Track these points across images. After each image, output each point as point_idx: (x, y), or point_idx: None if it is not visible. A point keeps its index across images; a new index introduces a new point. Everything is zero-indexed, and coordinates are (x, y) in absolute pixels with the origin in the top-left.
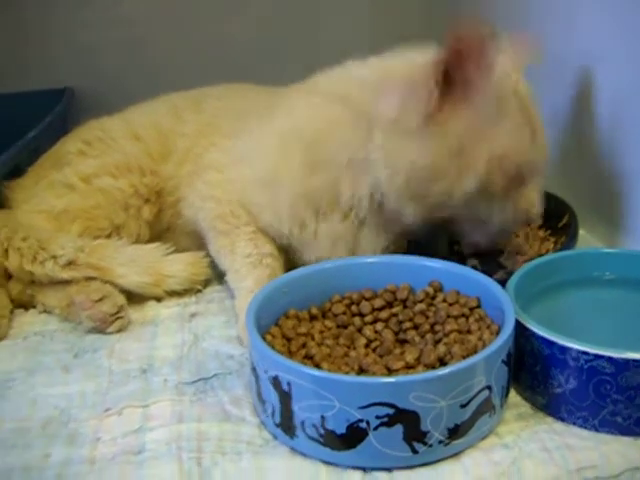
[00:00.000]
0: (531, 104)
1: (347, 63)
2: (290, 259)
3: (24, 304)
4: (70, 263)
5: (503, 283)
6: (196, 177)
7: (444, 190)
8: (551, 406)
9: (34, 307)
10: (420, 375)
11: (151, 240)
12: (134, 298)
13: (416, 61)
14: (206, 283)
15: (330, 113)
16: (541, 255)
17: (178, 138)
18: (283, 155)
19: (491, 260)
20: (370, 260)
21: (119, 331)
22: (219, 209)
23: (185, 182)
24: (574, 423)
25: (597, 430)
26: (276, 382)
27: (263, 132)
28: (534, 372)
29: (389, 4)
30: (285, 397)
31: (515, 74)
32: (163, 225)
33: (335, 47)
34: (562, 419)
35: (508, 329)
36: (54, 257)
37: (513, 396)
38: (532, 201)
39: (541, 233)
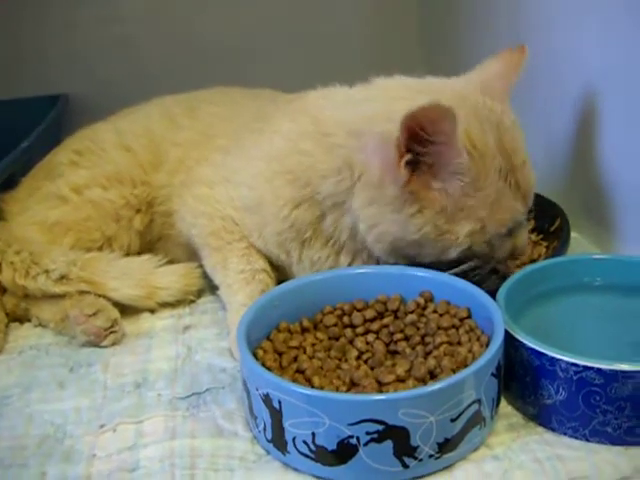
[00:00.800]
0: (518, 149)
1: (337, 88)
2: (282, 273)
3: (19, 318)
4: (62, 277)
5: (495, 290)
6: (185, 189)
7: (431, 257)
8: (542, 416)
9: (29, 320)
10: (409, 392)
11: (142, 250)
12: (128, 310)
13: (396, 115)
14: (199, 293)
15: (316, 158)
16: (533, 259)
17: (171, 147)
18: (269, 186)
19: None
20: (361, 271)
21: (114, 344)
22: (212, 226)
23: (177, 192)
24: (565, 433)
25: (588, 440)
26: (267, 399)
27: (251, 155)
28: (524, 382)
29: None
30: (276, 414)
31: (500, 105)
32: (154, 235)
33: (332, 50)
34: (553, 429)
35: (497, 342)
36: (46, 271)
37: (504, 406)
38: (520, 244)
39: (533, 237)
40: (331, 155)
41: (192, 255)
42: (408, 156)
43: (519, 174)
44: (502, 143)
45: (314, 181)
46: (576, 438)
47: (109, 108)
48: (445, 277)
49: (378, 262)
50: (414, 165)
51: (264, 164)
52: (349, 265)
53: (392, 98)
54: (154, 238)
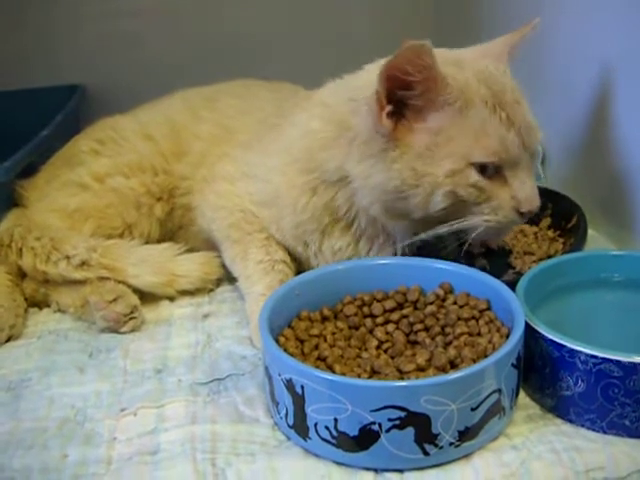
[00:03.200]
0: (509, 90)
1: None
2: (300, 265)
3: (38, 303)
4: (83, 263)
5: (513, 284)
6: (206, 185)
7: (419, 208)
8: (560, 408)
9: (48, 306)
10: (431, 379)
11: (163, 238)
12: (147, 297)
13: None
14: (218, 282)
15: (321, 131)
16: (550, 255)
17: (193, 139)
18: (284, 177)
19: (500, 260)
20: (381, 262)
21: (133, 331)
22: (232, 218)
23: (198, 188)
24: (582, 425)
25: (605, 432)
26: (290, 385)
27: (268, 151)
28: (543, 374)
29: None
30: (299, 400)
31: (493, 63)
32: (175, 224)
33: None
34: (571, 421)
35: (517, 333)
36: (67, 257)
37: (522, 397)
38: (521, 195)
39: (550, 233)
40: (330, 125)
41: (212, 246)
42: (389, 107)
43: (510, 109)
44: (489, 84)
45: (320, 158)
46: (594, 430)
47: (125, 99)
48: (465, 269)
49: (395, 248)
50: (400, 114)
51: (278, 158)
52: (368, 252)
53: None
54: (175, 227)
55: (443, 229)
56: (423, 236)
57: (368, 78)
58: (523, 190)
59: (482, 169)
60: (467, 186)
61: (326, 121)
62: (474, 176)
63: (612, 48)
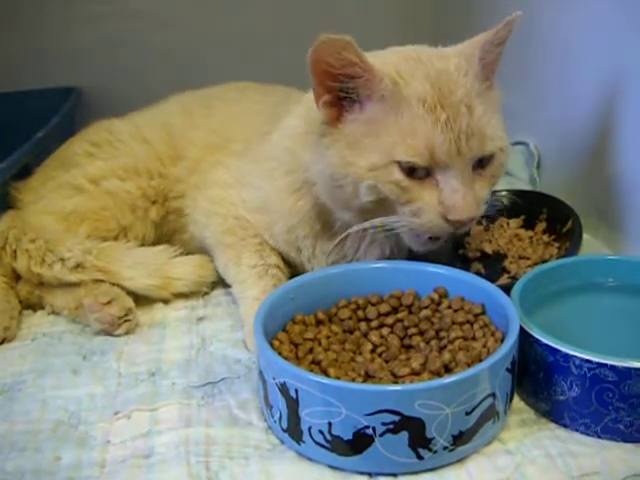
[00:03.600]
0: (459, 92)
1: None
2: (294, 270)
3: (32, 305)
4: (78, 266)
5: (508, 289)
6: (198, 192)
7: (351, 197)
8: (554, 412)
9: (42, 308)
10: (425, 383)
11: (159, 241)
12: (142, 300)
13: None
14: (213, 285)
15: (298, 127)
16: (545, 260)
17: (189, 145)
18: (272, 183)
19: (495, 264)
20: (376, 265)
21: (127, 333)
22: (226, 224)
23: (190, 194)
24: (577, 430)
25: (599, 437)
26: (284, 389)
27: (258, 158)
28: (538, 379)
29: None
30: (293, 403)
31: (443, 62)
32: (170, 227)
33: None
34: (565, 425)
35: (512, 337)
36: (62, 260)
37: (517, 402)
38: (449, 202)
39: (545, 238)
40: (305, 120)
41: (204, 253)
42: (326, 97)
43: (453, 112)
44: (438, 83)
45: (298, 155)
46: (588, 435)
47: (121, 102)
48: (460, 273)
49: (382, 249)
50: (340, 104)
51: (267, 163)
52: (355, 253)
53: None
54: (170, 230)
55: (379, 222)
56: (362, 225)
57: None
58: (452, 197)
59: (411, 169)
60: (388, 183)
61: (303, 118)
62: (396, 174)
63: (610, 54)
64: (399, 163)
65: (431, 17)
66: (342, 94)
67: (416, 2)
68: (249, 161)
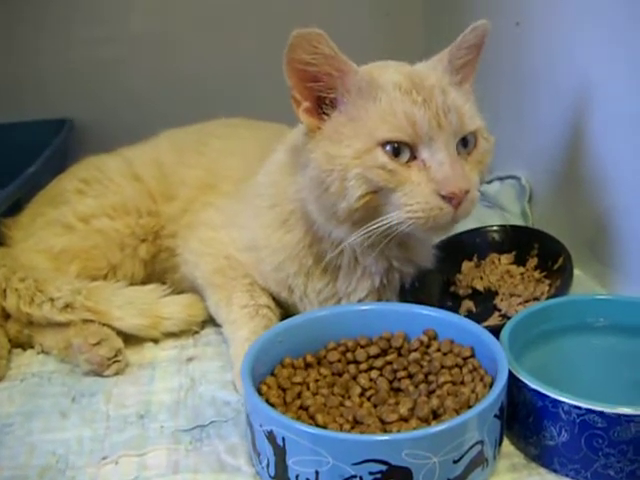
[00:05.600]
0: (431, 83)
1: None
2: (287, 311)
3: (22, 344)
4: (67, 306)
5: (499, 329)
6: (190, 232)
7: (339, 198)
8: (544, 457)
9: (32, 347)
10: (412, 433)
11: (149, 280)
12: (131, 339)
13: None
14: (203, 324)
15: (281, 159)
16: (536, 297)
17: (180, 185)
18: (258, 220)
19: (486, 302)
20: (365, 307)
21: (116, 374)
22: (216, 263)
23: (181, 234)
24: (567, 475)
25: None
26: (271, 436)
27: (246, 198)
28: (527, 423)
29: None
30: (280, 451)
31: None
32: (161, 267)
33: None
34: (555, 471)
35: (500, 384)
36: (51, 299)
37: (507, 445)
38: (439, 175)
39: (536, 274)
40: (289, 151)
41: (196, 293)
42: (306, 104)
43: (428, 93)
44: (410, 75)
45: (281, 186)
46: None
47: (114, 134)
48: (449, 316)
49: (373, 280)
50: (320, 112)
51: (253, 202)
52: (346, 289)
53: None
54: (161, 269)
55: (372, 227)
56: (361, 234)
57: None
58: (441, 170)
59: (395, 151)
60: (376, 168)
61: (286, 150)
62: (382, 157)
63: (599, 88)
64: (383, 146)
65: (423, 40)
66: (322, 95)
67: (408, 29)
68: (239, 202)
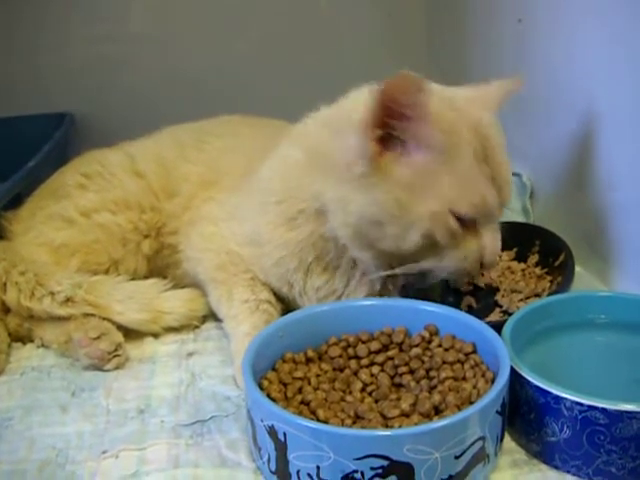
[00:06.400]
0: (496, 145)
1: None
2: (287, 306)
3: (22, 338)
4: (68, 300)
5: (500, 325)
6: (192, 228)
7: (392, 240)
8: (545, 454)
9: (32, 341)
10: (414, 428)
11: (151, 275)
12: (132, 334)
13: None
14: (204, 319)
15: (294, 158)
16: (537, 294)
17: (182, 181)
18: (262, 214)
19: (487, 298)
20: (366, 303)
21: (117, 368)
22: (217, 259)
23: (183, 231)
24: (568, 471)
25: (591, 479)
26: (272, 431)
27: (250, 190)
28: (529, 419)
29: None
30: (281, 446)
31: (483, 111)
32: (163, 262)
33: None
34: (556, 467)
35: (502, 380)
36: (52, 293)
37: (508, 442)
38: (490, 249)
39: (537, 271)
40: (305, 151)
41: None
42: (378, 132)
43: (495, 165)
44: (479, 135)
45: (293, 185)
46: (579, 477)
47: (115, 128)
48: (451, 311)
49: (373, 284)
50: (386, 142)
51: (257, 196)
52: (344, 288)
53: (363, 93)
54: (164, 265)
55: (409, 269)
56: (391, 272)
57: (351, 103)
58: (492, 244)
59: (462, 220)
60: (444, 230)
61: (302, 148)
62: (452, 222)
63: (600, 85)
64: (454, 212)
65: (424, 41)
66: (396, 133)
67: (410, 29)
68: (241, 195)
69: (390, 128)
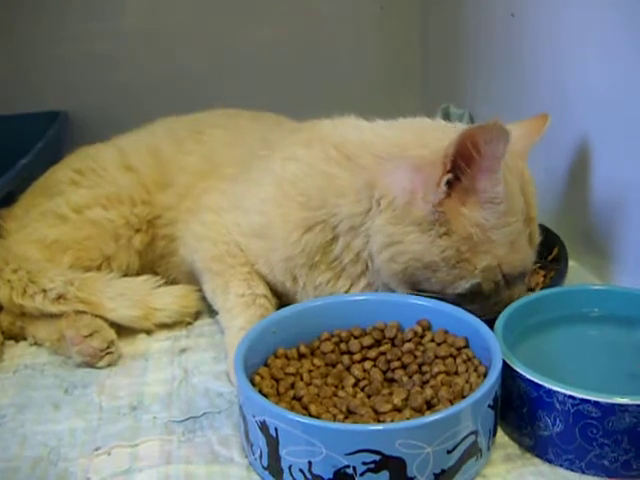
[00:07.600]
0: (534, 205)
1: (352, 119)
2: (285, 300)
3: (14, 336)
4: (60, 297)
5: (493, 319)
6: (192, 216)
7: (438, 286)
8: (538, 448)
9: (25, 339)
10: (406, 423)
11: (143, 270)
12: (124, 331)
13: (430, 142)
14: (196, 316)
15: (338, 178)
16: (531, 288)
17: (178, 172)
18: (279, 210)
19: None
20: (359, 298)
21: (109, 366)
22: (215, 250)
23: (182, 219)
24: (561, 465)
25: (584, 472)
26: (264, 427)
27: (259, 181)
28: (521, 413)
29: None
30: (273, 442)
31: (521, 162)
32: (156, 254)
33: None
34: (549, 461)
35: (494, 374)
36: (44, 291)
37: (500, 436)
38: (513, 297)
39: None
40: (353, 176)
41: (193, 278)
42: (449, 175)
43: (533, 227)
44: (524, 193)
45: (330, 202)
46: (572, 470)
47: (108, 125)
48: (443, 306)
49: (376, 290)
50: (450, 186)
51: (274, 189)
52: (347, 290)
53: (423, 130)
54: (156, 257)
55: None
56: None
57: (403, 137)
58: (519, 295)
59: (503, 273)
60: (491, 282)
61: (346, 170)
62: (499, 276)
63: (593, 78)
64: (501, 268)
65: (418, 34)
66: (461, 178)
67: (403, 22)
68: (246, 184)
69: (461, 173)
